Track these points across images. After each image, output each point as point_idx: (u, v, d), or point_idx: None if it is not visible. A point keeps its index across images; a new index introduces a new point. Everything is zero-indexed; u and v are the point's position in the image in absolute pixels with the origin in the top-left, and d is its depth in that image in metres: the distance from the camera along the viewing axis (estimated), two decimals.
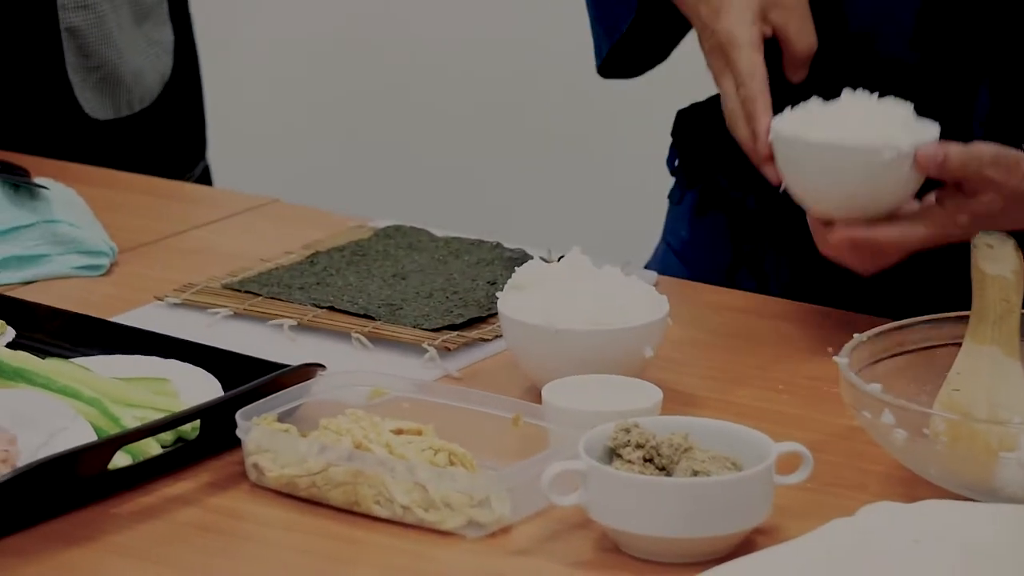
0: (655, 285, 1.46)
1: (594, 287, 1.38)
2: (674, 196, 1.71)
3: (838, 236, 1.40)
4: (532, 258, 1.50)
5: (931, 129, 1.39)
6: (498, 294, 1.40)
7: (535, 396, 1.30)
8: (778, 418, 1.32)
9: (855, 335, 1.27)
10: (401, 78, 3.12)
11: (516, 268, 1.41)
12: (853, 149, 1.37)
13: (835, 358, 1.25)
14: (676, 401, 1.33)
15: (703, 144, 1.66)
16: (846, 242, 1.40)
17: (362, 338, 1.46)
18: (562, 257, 1.42)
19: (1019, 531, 1.09)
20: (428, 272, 1.57)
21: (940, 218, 1.40)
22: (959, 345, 1.28)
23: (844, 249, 1.41)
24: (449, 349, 1.44)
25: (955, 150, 1.38)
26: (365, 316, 1.49)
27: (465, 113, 3.15)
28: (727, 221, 1.64)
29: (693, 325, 1.49)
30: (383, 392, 1.31)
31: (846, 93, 1.41)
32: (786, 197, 1.44)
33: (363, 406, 1.28)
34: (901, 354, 1.31)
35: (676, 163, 1.70)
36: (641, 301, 1.38)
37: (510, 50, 3.09)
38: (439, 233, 1.66)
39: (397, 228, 1.66)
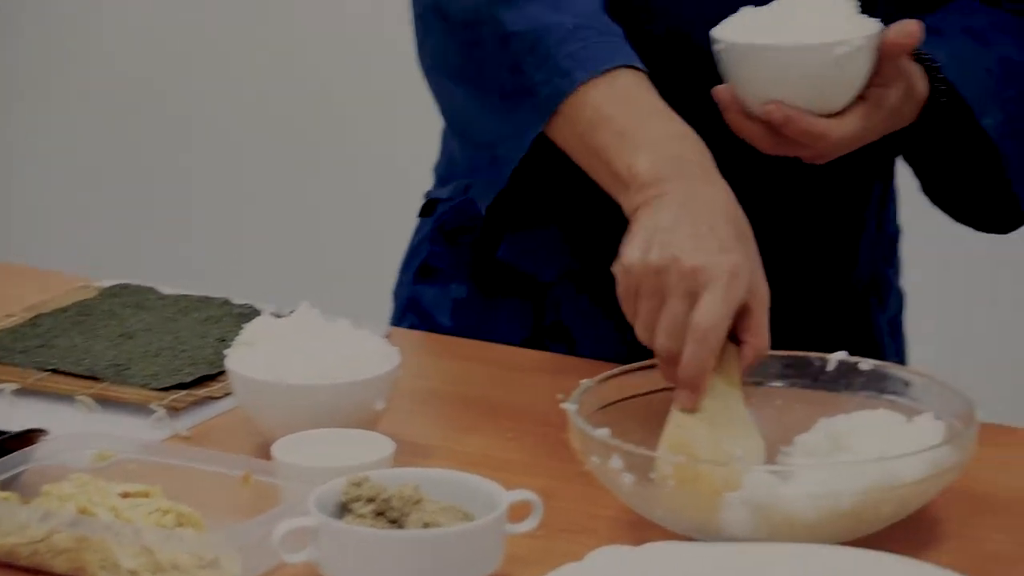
0: (387, 336, 1.45)
1: (324, 341, 1.37)
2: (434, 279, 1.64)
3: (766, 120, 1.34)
4: (261, 314, 1.49)
5: (873, 23, 1.36)
6: (226, 351, 1.38)
7: (267, 453, 1.28)
8: (509, 466, 1.32)
9: (582, 381, 1.28)
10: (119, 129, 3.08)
11: (245, 324, 1.40)
12: (807, 48, 1.34)
13: (563, 404, 1.25)
14: (409, 452, 1.32)
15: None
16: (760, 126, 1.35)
17: (87, 400, 1.42)
18: (291, 312, 1.41)
19: (740, 571, 1.11)
20: (156, 331, 1.54)
21: (860, 112, 1.36)
22: None
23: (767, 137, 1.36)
24: (177, 409, 1.41)
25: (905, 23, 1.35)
26: (91, 377, 1.45)
27: (192, 167, 3.11)
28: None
29: (425, 375, 1.49)
30: (109, 455, 1.27)
31: None
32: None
33: (89, 470, 1.24)
34: (629, 398, 1.31)
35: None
36: (372, 353, 1.37)
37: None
38: (167, 291, 1.63)
39: (123, 287, 1.63)
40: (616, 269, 1.29)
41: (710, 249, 1.25)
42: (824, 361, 1.34)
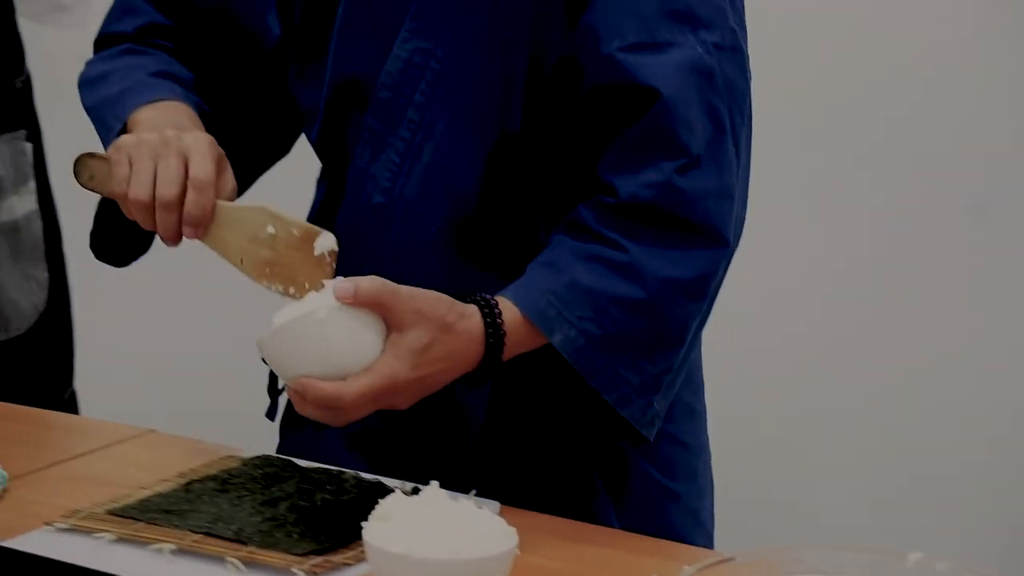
0: (499, 514, 1.63)
1: (450, 518, 1.54)
2: None
3: (292, 395, 1.66)
4: (391, 490, 1.66)
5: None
6: (363, 523, 1.55)
7: None
8: None
9: (684, 567, 1.44)
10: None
11: (378, 499, 1.57)
12: (294, 319, 1.63)
13: None
14: None
15: None
16: (296, 398, 1.65)
17: (236, 562, 1.60)
18: (418, 489, 1.59)
19: None
20: (295, 500, 1.72)
21: (381, 362, 1.64)
22: None
23: (304, 405, 1.65)
24: (317, 573, 1.58)
25: (366, 280, 1.64)
26: (239, 541, 1.63)
27: None
28: None
29: (536, 552, 1.66)
30: None
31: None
32: None
33: None
34: None
35: None
36: (493, 531, 1.54)
37: None
38: (302, 463, 1.82)
39: (265, 458, 1.82)
40: (110, 150, 1.78)
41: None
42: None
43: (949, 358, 3.26)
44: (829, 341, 3.35)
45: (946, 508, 3.26)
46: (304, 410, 1.65)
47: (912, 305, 3.28)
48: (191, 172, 1.76)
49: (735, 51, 1.77)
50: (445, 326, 1.66)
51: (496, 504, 1.75)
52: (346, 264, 1.83)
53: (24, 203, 2.27)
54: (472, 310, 1.69)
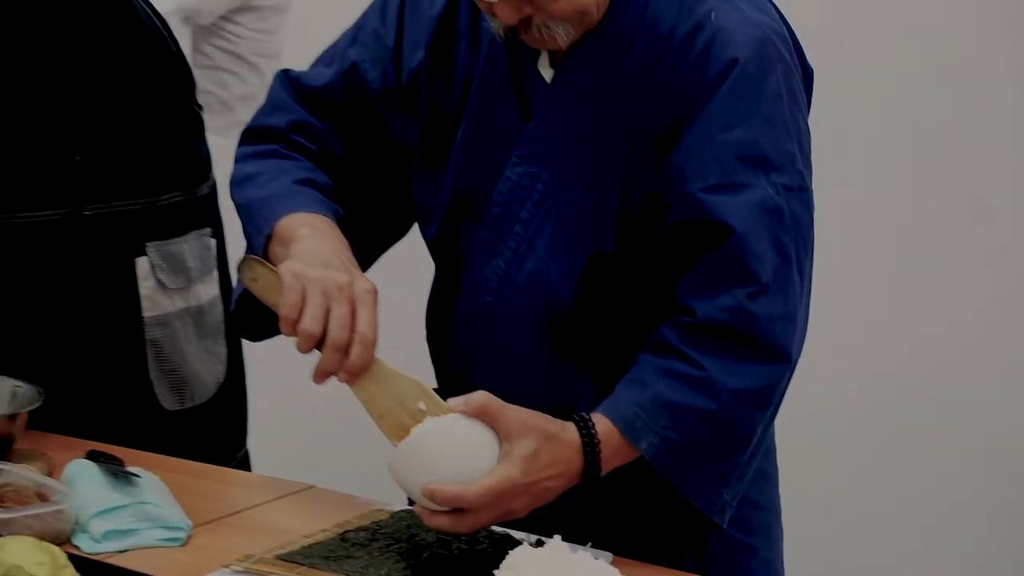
0: (612, 564, 1.87)
1: (571, 568, 1.78)
2: None
3: (421, 510, 1.88)
4: (519, 542, 1.91)
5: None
6: (495, 572, 1.79)
7: None
8: None
9: None
10: None
11: (507, 550, 1.82)
12: (416, 434, 1.85)
13: None
14: None
15: None
16: (425, 512, 1.86)
17: None
18: (542, 542, 1.85)
19: None
20: (435, 549, 1.96)
21: (496, 469, 1.86)
22: None
23: (432, 517, 1.87)
24: None
25: (477, 393, 1.86)
26: None
27: None
28: None
29: None
30: None
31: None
32: None
33: None
34: None
35: None
36: None
37: None
38: None
39: (409, 512, 2.06)
40: (285, 271, 1.93)
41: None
42: None
43: None
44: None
45: None
46: (432, 521, 1.87)
47: None
48: (359, 326, 1.91)
49: (802, 191, 1.98)
50: (549, 435, 1.89)
51: (609, 555, 1.97)
52: (459, 351, 2.08)
53: (208, 290, 2.49)
54: (569, 424, 1.91)
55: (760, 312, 1.94)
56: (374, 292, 1.94)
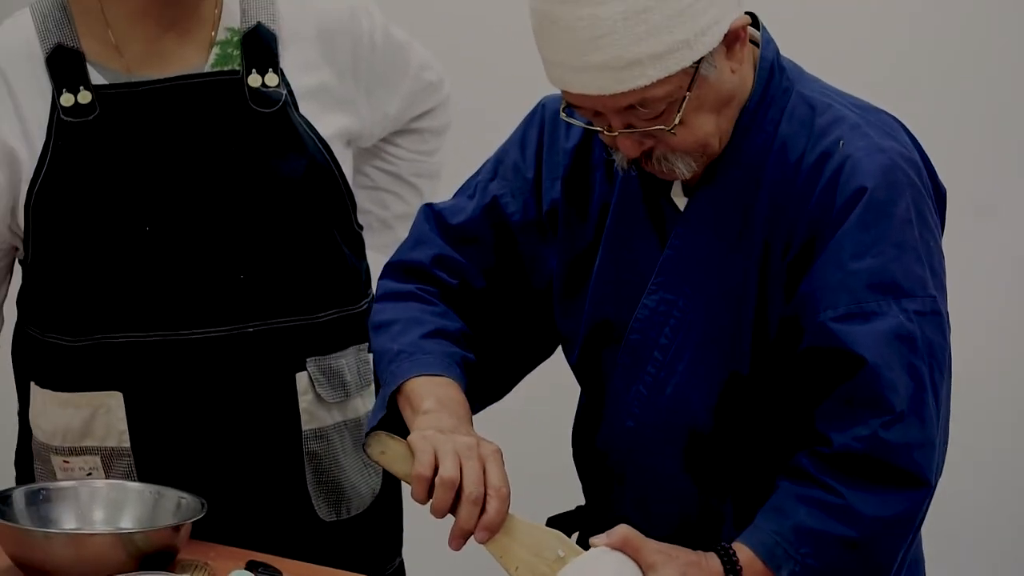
0: None
1: None
2: None
3: None
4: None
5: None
6: None
7: None
8: None
9: None
10: None
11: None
12: (563, 570, 1.93)
13: None
14: None
15: None
16: None
17: None
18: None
19: None
20: None
21: None
22: None
23: None
24: None
25: (619, 527, 1.91)
26: None
27: None
28: None
29: None
30: None
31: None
32: None
33: None
34: None
35: None
36: None
37: None
38: None
39: None
40: (415, 437, 2.02)
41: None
42: None
43: None
44: None
45: None
46: None
47: None
48: (493, 481, 1.98)
49: (935, 314, 2.01)
50: (691, 562, 1.94)
51: None
52: (602, 474, 2.14)
53: (365, 403, 2.55)
54: (711, 553, 1.96)
55: (896, 440, 1.97)
56: (500, 452, 2.02)
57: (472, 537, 1.98)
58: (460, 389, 2.14)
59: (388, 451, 2.07)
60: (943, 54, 3.54)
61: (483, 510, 1.97)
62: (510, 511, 1.98)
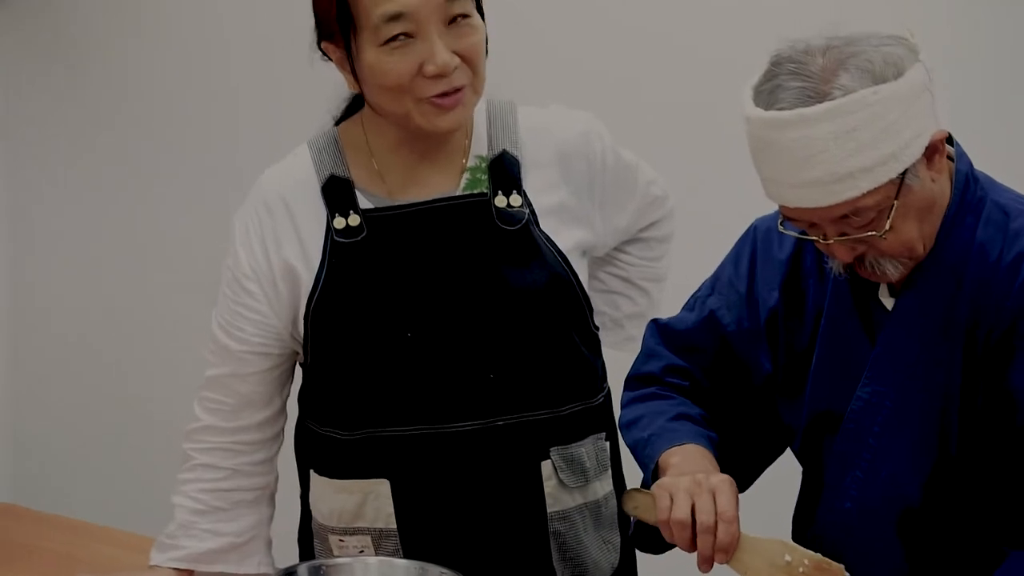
0: None
1: None
2: None
3: None
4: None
5: None
6: None
7: None
8: None
9: None
10: None
11: None
12: None
13: None
14: None
15: None
16: None
17: None
18: None
19: None
20: None
21: None
22: None
23: None
24: None
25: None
26: None
27: None
28: None
29: None
30: None
31: None
32: None
33: None
34: None
35: None
36: None
37: None
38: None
39: None
40: (655, 487, 2.19)
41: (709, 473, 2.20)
42: None
43: None
44: None
45: None
46: None
47: None
48: (721, 508, 2.15)
49: None
50: None
51: None
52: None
53: (603, 486, 2.68)
54: None
55: None
56: (729, 480, 2.20)
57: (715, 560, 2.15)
58: (706, 448, 2.31)
59: (639, 505, 2.26)
60: (940, 51, 3.50)
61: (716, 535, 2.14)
62: (743, 531, 2.14)
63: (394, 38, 2.48)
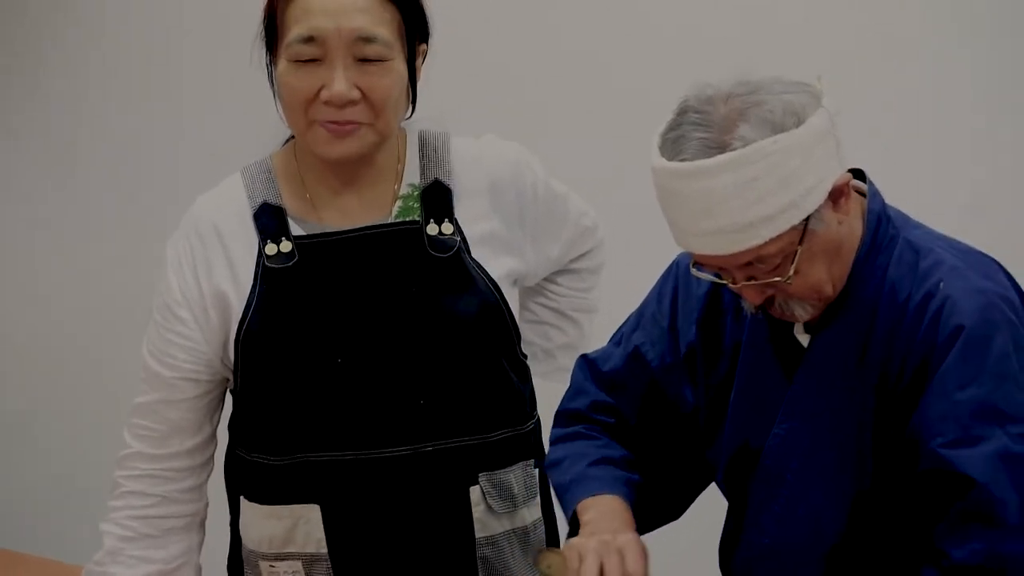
0: None
1: None
2: None
3: None
4: None
5: None
6: None
7: None
8: None
9: None
10: None
11: None
12: None
13: None
14: None
15: None
16: None
17: None
18: None
19: None
20: None
21: None
22: None
23: None
24: None
25: None
26: None
27: None
28: None
29: None
30: None
31: None
32: None
33: None
34: None
35: None
36: None
37: None
38: None
39: None
40: (566, 547, 2.19)
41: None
42: None
43: None
44: None
45: None
46: None
47: None
48: (628, 568, 2.19)
49: None
50: None
51: None
52: None
53: (532, 513, 2.70)
54: None
55: (1010, 552, 2.07)
56: (636, 540, 2.23)
57: None
58: (622, 500, 2.32)
59: (553, 564, 2.29)
60: (939, 49, 3.57)
61: None
62: None
63: (305, 60, 2.52)
